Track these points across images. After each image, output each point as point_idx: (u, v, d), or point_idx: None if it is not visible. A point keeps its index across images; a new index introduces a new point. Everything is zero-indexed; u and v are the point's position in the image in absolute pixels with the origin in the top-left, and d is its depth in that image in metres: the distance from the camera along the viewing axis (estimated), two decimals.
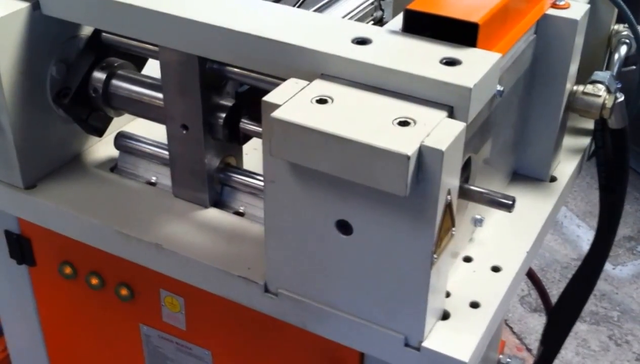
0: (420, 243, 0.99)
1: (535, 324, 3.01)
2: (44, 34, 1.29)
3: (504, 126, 1.26)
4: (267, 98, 1.00)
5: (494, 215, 1.26)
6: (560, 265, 3.28)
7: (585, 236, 3.43)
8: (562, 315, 1.72)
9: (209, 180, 1.30)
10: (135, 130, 1.44)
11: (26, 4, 1.25)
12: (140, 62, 1.42)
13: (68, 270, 1.45)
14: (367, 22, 1.56)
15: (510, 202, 1.08)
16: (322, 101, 0.99)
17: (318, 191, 1.02)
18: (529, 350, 2.91)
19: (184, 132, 1.27)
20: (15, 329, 1.67)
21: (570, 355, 2.90)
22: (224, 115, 1.25)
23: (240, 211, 1.33)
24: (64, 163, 1.42)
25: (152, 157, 1.39)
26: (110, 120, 1.41)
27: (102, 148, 1.47)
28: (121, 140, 1.42)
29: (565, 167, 1.44)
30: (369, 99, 1.00)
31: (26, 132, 1.32)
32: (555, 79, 1.30)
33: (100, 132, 1.41)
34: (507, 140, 1.32)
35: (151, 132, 1.41)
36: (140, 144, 1.41)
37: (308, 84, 1.03)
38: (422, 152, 0.91)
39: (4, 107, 1.27)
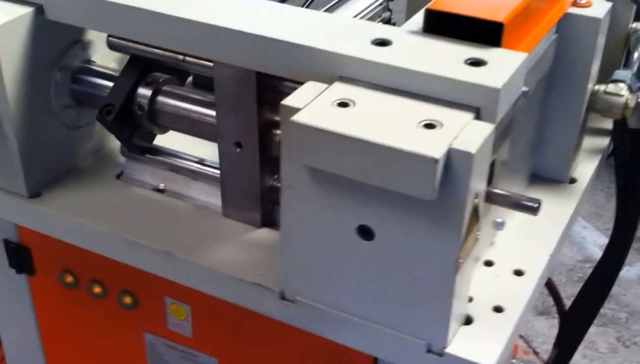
0: (446, 248, 0.98)
1: (542, 327, 3.02)
2: (48, 39, 1.29)
3: (524, 127, 1.26)
4: (286, 101, 1.00)
5: (513, 218, 1.26)
6: (566, 268, 3.29)
7: (591, 237, 3.44)
8: (576, 318, 1.73)
9: (262, 199, 1.28)
10: None
11: (30, 9, 1.24)
12: (183, 76, 1.40)
13: (69, 279, 1.44)
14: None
15: (536, 205, 1.08)
16: (343, 104, 0.98)
17: (338, 196, 1.02)
18: (536, 353, 2.91)
19: (238, 150, 1.24)
20: (14, 340, 1.66)
21: (578, 357, 2.90)
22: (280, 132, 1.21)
23: None
24: (68, 170, 1.41)
25: (159, 163, 1.38)
26: (154, 138, 1.38)
27: (107, 154, 1.46)
28: None
29: (584, 168, 1.45)
30: (391, 102, 0.99)
31: (30, 139, 1.31)
32: (577, 79, 1.30)
33: (143, 151, 1.38)
34: (527, 141, 1.32)
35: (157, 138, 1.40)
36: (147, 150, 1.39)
37: (327, 87, 1.02)
38: (450, 155, 0.91)
39: (8, 114, 1.26)
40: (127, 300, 1.40)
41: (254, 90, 1.18)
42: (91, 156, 1.45)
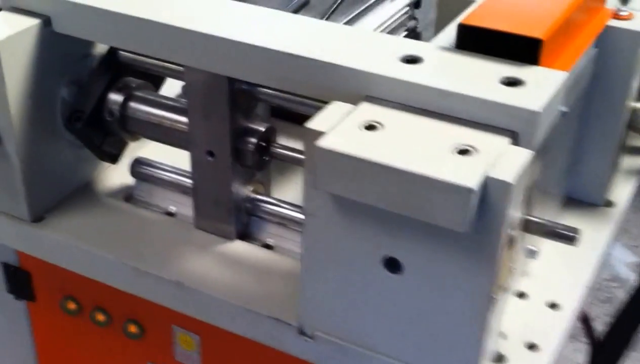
0: (479, 283, 0.95)
1: (569, 353, 2.97)
2: (55, 53, 1.26)
3: (558, 146, 1.23)
4: (311, 124, 0.97)
5: (545, 245, 1.22)
6: (592, 288, 3.24)
7: (619, 255, 3.39)
8: (609, 347, 1.70)
9: (236, 210, 1.27)
10: (151, 155, 1.41)
11: (36, 21, 1.22)
12: (158, 82, 1.39)
13: (71, 305, 1.41)
14: (401, 33, 1.55)
15: (575, 235, 1.04)
16: (371, 127, 0.95)
17: (364, 225, 0.98)
18: None
19: (210, 159, 1.23)
20: None
21: None
22: (254, 139, 1.22)
23: (269, 243, 1.29)
24: (74, 192, 1.38)
25: (172, 185, 1.36)
26: (125, 145, 1.38)
27: (115, 174, 1.43)
28: (138, 166, 1.38)
29: (621, 190, 1.41)
30: (422, 124, 0.96)
31: (34, 159, 1.29)
32: (615, 96, 1.27)
33: (114, 159, 1.38)
34: (562, 162, 1.29)
35: (169, 157, 1.38)
36: (158, 171, 1.37)
37: (354, 108, 0.99)
38: (486, 184, 0.87)
39: (10, 132, 1.24)
40: (133, 328, 1.37)
41: (225, 96, 1.17)
42: (99, 177, 1.43)
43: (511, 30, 1.00)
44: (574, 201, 1.39)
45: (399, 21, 1.51)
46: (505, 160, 0.90)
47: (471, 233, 0.90)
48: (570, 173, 1.36)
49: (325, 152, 0.92)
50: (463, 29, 1.03)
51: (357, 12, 1.47)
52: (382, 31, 1.50)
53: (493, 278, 0.94)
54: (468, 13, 1.05)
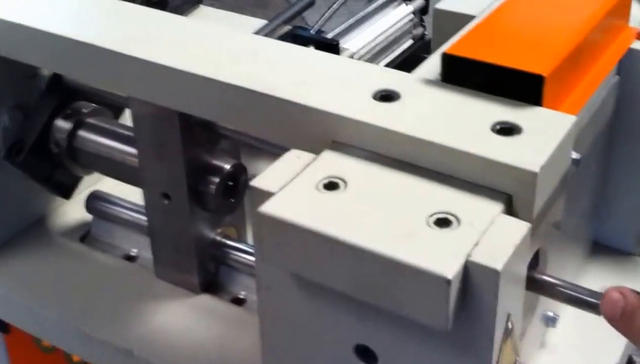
0: None
1: None
2: None
3: (580, 188, 1.04)
4: (257, 182, 0.79)
5: (567, 307, 1.03)
6: None
7: None
8: None
9: (200, 258, 1.12)
10: (113, 189, 1.27)
11: None
12: (117, 107, 1.26)
13: (46, 342, 1.30)
14: (407, 41, 1.39)
15: (599, 302, 0.85)
16: (331, 186, 0.77)
17: (328, 305, 0.80)
18: None
19: (165, 202, 1.09)
20: None
21: None
22: (216, 180, 1.07)
23: (241, 297, 1.15)
24: (20, 230, 1.27)
25: (133, 224, 1.23)
26: (80, 178, 1.26)
27: (72, 209, 1.31)
28: (95, 201, 1.25)
29: None
30: (394, 182, 0.77)
31: None
32: None
33: (67, 193, 1.27)
34: (586, 204, 1.11)
35: (133, 190, 1.22)
36: (117, 208, 1.24)
37: (314, 159, 0.81)
38: (468, 270, 0.69)
39: None
40: None
41: (177, 131, 1.03)
42: (54, 212, 1.31)
43: (506, 63, 0.81)
44: (604, 248, 1.20)
45: (403, 29, 1.37)
46: (494, 236, 0.71)
47: (455, 327, 0.71)
48: (598, 216, 1.18)
49: (269, 220, 0.75)
50: (449, 60, 0.84)
51: (356, 18, 1.33)
52: (384, 39, 1.35)
53: None
54: (457, 39, 0.86)
